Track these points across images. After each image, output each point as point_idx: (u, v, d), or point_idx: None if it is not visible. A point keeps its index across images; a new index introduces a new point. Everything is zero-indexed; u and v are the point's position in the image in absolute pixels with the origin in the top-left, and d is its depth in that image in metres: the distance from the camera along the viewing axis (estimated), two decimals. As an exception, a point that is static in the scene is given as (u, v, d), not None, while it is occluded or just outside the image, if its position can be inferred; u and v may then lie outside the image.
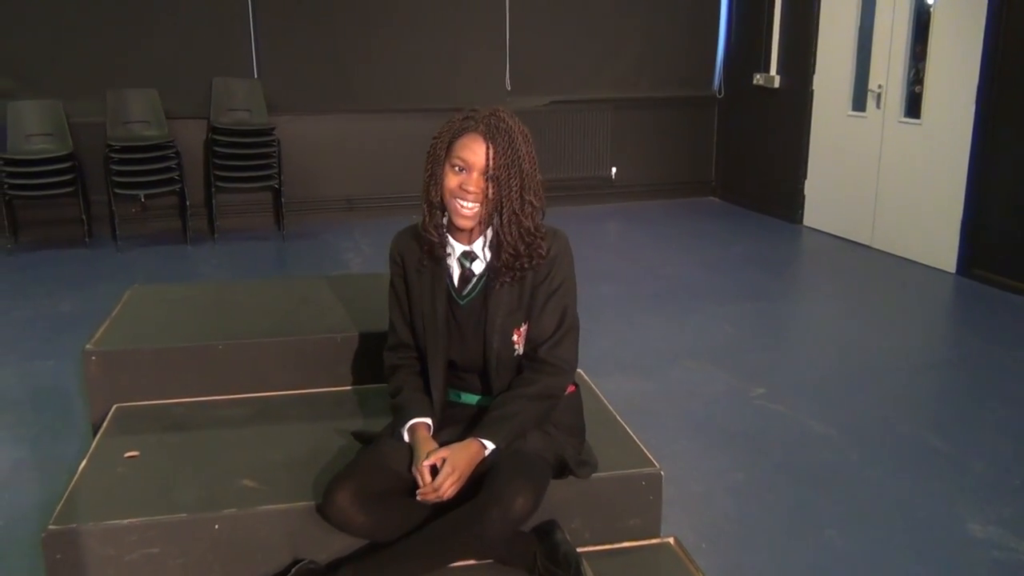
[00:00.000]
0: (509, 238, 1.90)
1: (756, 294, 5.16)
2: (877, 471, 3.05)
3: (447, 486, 1.79)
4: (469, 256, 1.98)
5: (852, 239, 6.34)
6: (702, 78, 7.73)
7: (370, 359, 2.56)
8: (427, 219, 1.97)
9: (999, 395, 3.71)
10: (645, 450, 2.20)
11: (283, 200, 6.61)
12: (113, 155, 6.05)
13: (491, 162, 1.86)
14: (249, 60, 6.61)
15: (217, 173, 6.37)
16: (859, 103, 6.23)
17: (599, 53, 7.38)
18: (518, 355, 1.99)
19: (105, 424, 2.38)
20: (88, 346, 2.50)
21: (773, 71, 7.01)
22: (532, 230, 1.91)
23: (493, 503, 1.76)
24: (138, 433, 2.32)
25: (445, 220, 1.96)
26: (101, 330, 2.64)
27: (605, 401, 2.49)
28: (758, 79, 7.14)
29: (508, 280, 1.95)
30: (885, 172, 6.00)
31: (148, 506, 1.96)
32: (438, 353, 2.01)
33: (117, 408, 2.47)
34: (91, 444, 2.31)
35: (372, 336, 2.57)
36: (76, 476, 2.09)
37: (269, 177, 6.47)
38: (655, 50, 7.50)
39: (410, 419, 1.95)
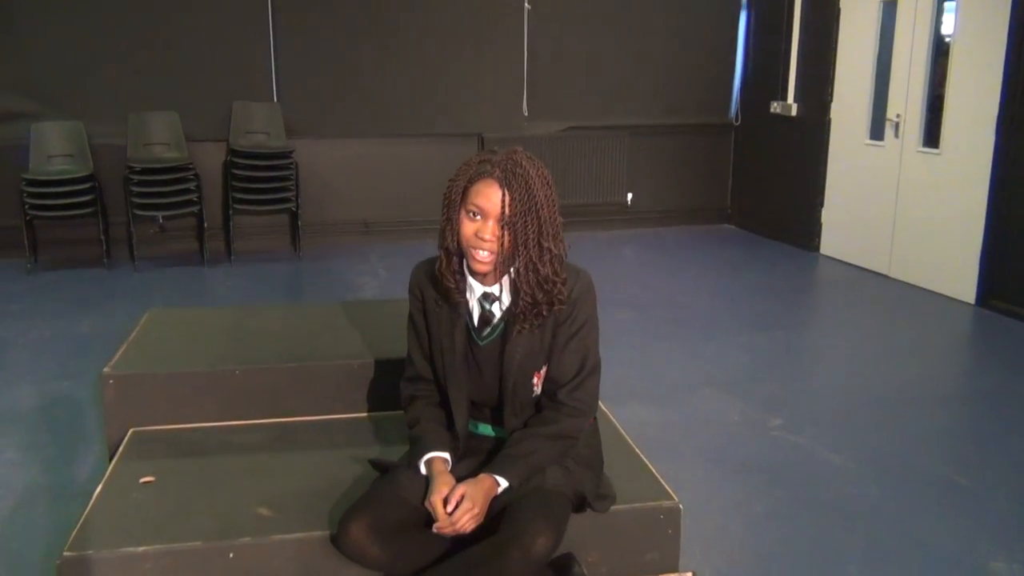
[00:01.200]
0: (526, 286, 1.85)
1: (773, 323, 5.13)
2: (898, 506, 3.01)
3: (465, 520, 1.78)
4: (489, 298, 1.95)
5: (870, 268, 6.30)
6: (719, 105, 7.75)
7: (386, 386, 2.56)
8: (443, 264, 1.92)
9: (1022, 430, 3.65)
10: (663, 482, 2.17)
11: (300, 223, 6.65)
12: (133, 176, 6.11)
13: (507, 209, 1.80)
14: (269, 84, 6.67)
15: (235, 195, 6.41)
16: (877, 132, 6.22)
17: (616, 80, 7.41)
18: (537, 395, 1.96)
19: (121, 448, 2.38)
20: (106, 369, 2.50)
21: (790, 99, 7.02)
22: (550, 277, 1.85)
23: (514, 542, 1.73)
24: (154, 458, 2.32)
25: (464, 264, 1.93)
26: (119, 353, 2.65)
27: (623, 432, 2.47)
28: (775, 107, 7.15)
29: (527, 327, 1.91)
30: (903, 201, 5.98)
31: (163, 533, 1.95)
32: (460, 391, 1.98)
33: (133, 432, 2.46)
34: (106, 468, 2.30)
35: (388, 363, 2.57)
36: (92, 501, 2.08)
37: (286, 200, 6.51)
38: (672, 77, 7.52)
39: (428, 452, 1.93)
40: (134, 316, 3.11)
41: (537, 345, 1.93)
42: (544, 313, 1.89)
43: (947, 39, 5.62)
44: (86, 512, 2.04)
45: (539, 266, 1.84)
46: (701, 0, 7.43)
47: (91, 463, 3.20)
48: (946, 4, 5.64)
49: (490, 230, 1.82)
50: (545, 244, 1.84)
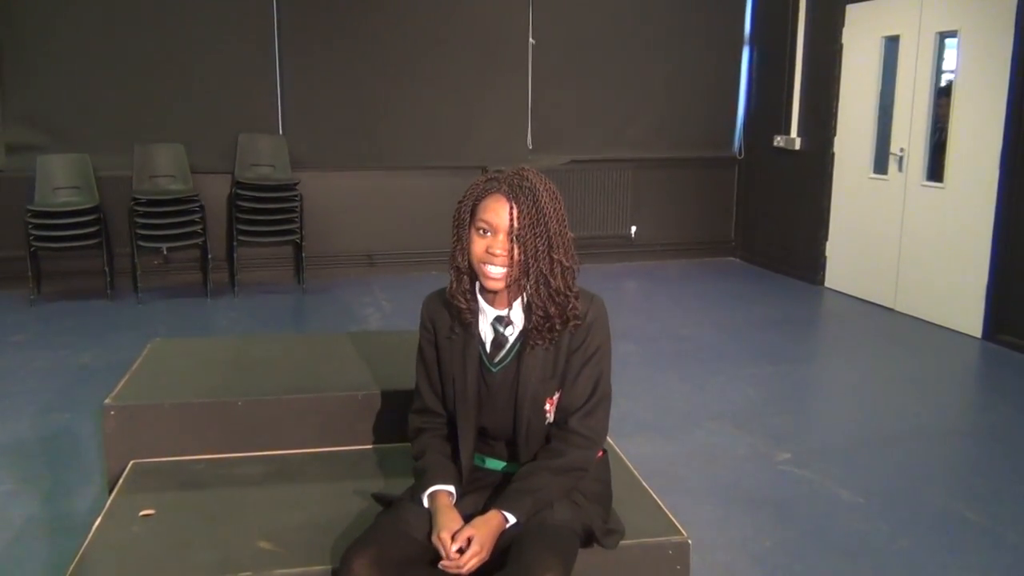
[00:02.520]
0: (538, 300, 1.84)
1: (778, 356, 5.10)
2: (908, 542, 2.96)
3: (473, 564, 1.74)
4: (502, 321, 1.93)
5: (875, 301, 6.28)
6: (722, 139, 7.79)
7: (392, 418, 2.53)
8: (454, 285, 1.91)
9: (1032, 465, 3.61)
10: (672, 517, 2.13)
11: (304, 254, 6.65)
12: (138, 208, 6.13)
13: (515, 222, 1.80)
14: (275, 117, 6.72)
15: (240, 227, 6.43)
16: (881, 166, 6.23)
17: (620, 113, 7.46)
18: (549, 423, 1.94)
19: (121, 481, 2.34)
20: (107, 400, 2.47)
21: (794, 133, 7.05)
22: (562, 290, 1.85)
23: None
24: (154, 491, 2.28)
25: (477, 285, 1.91)
26: (120, 384, 2.62)
27: (630, 465, 2.43)
28: (778, 141, 7.18)
29: (540, 343, 1.89)
30: (908, 235, 5.97)
31: (162, 568, 1.91)
32: (468, 421, 1.95)
33: (134, 464, 2.43)
34: (106, 500, 2.27)
35: (394, 394, 2.54)
36: (90, 534, 2.05)
37: (291, 231, 6.52)
38: (675, 111, 7.57)
39: (432, 485, 1.89)
40: (136, 347, 3.09)
41: (550, 368, 1.91)
42: (557, 328, 1.87)
43: (948, 73, 5.64)
44: (84, 545, 2.00)
45: (550, 279, 1.83)
46: (704, 35, 7.51)
47: (91, 495, 3.16)
48: (947, 40, 5.68)
49: (500, 244, 1.82)
50: (556, 257, 1.83)
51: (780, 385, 4.61)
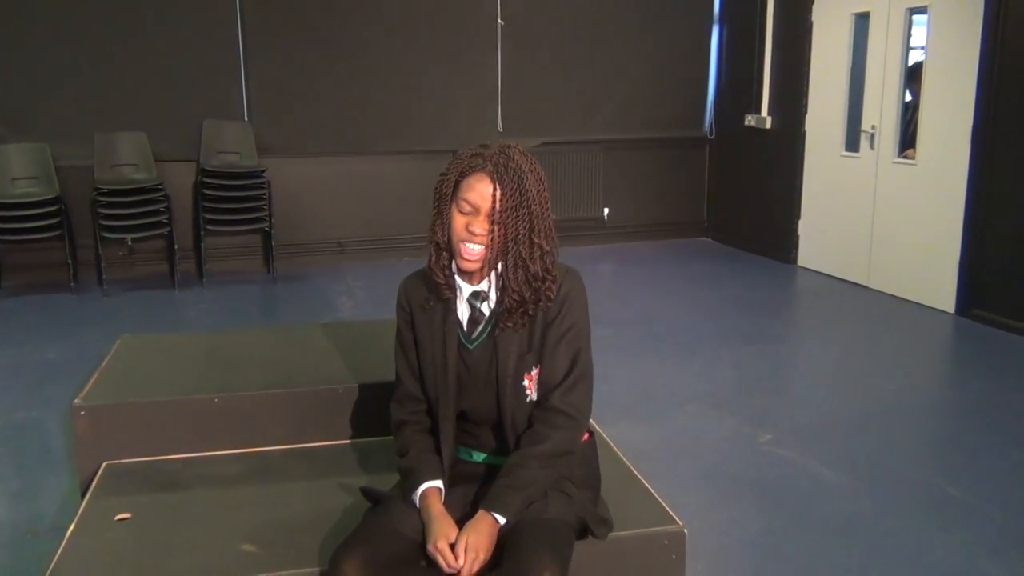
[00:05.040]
0: (514, 284, 1.80)
1: (754, 336, 5.10)
2: (894, 520, 2.96)
3: (476, 571, 1.69)
4: (478, 296, 1.89)
5: (848, 279, 6.31)
6: (693, 119, 7.76)
7: (372, 411, 2.47)
8: (433, 259, 1.87)
9: (1011, 439, 3.63)
10: (666, 506, 2.10)
11: (273, 243, 6.53)
12: (100, 198, 5.96)
13: (498, 204, 1.76)
14: (240, 103, 6.57)
15: (206, 216, 6.29)
16: (852, 143, 6.24)
17: (590, 94, 7.40)
18: (531, 402, 1.88)
19: (94, 484, 2.26)
20: (77, 400, 2.38)
21: (764, 112, 7.03)
22: (540, 275, 1.81)
23: None
24: (129, 493, 2.20)
25: (454, 264, 1.87)
26: (90, 383, 2.53)
27: (619, 453, 2.39)
28: (749, 120, 7.16)
29: (511, 325, 1.85)
30: (880, 212, 5.99)
31: (141, 575, 1.83)
32: (448, 404, 1.90)
33: (107, 466, 2.35)
34: (78, 504, 2.19)
35: (374, 387, 2.48)
36: (64, 541, 1.97)
37: (259, 220, 6.39)
38: (646, 91, 7.52)
39: (421, 483, 1.83)
40: (103, 342, 2.99)
41: (527, 343, 1.87)
42: (531, 312, 1.84)
43: (917, 49, 5.65)
44: (59, 553, 1.92)
45: (529, 263, 1.80)
46: (674, 14, 7.46)
47: (61, 499, 3.06)
48: (916, 17, 5.68)
49: (480, 224, 1.78)
50: (536, 241, 1.80)
51: (758, 365, 4.61)
